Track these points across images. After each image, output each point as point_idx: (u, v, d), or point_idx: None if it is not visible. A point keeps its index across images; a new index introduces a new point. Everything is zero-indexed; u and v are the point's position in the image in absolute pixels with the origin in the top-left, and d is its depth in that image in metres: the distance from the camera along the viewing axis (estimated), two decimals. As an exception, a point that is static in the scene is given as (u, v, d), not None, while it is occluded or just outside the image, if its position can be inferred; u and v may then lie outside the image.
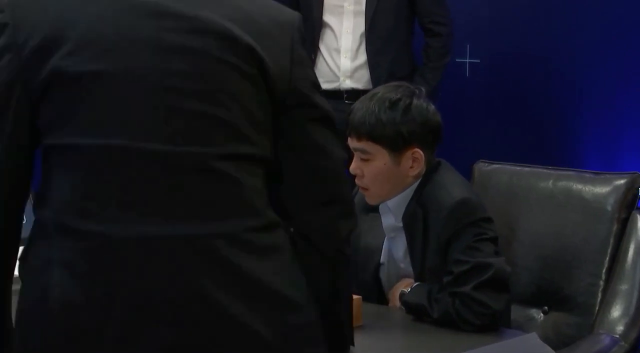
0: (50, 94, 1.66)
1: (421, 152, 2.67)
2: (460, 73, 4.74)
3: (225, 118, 1.67)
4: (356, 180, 2.73)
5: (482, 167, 3.15)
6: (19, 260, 1.73)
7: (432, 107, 2.71)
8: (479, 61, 4.73)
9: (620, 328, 2.74)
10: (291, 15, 1.82)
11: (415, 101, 2.68)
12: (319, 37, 4.16)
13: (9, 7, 1.69)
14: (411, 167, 2.68)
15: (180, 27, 1.67)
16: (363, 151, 2.67)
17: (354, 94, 4.10)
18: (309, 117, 1.79)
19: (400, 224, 2.72)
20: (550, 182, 3.00)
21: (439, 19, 4.18)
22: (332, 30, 4.15)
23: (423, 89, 2.79)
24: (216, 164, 1.66)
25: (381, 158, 2.66)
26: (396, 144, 2.65)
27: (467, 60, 4.74)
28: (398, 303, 2.66)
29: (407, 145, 2.66)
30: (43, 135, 1.69)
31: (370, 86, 4.04)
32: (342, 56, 4.14)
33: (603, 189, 2.91)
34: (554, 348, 2.48)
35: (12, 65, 1.67)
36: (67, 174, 1.66)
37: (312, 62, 4.19)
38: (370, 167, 2.68)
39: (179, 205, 1.65)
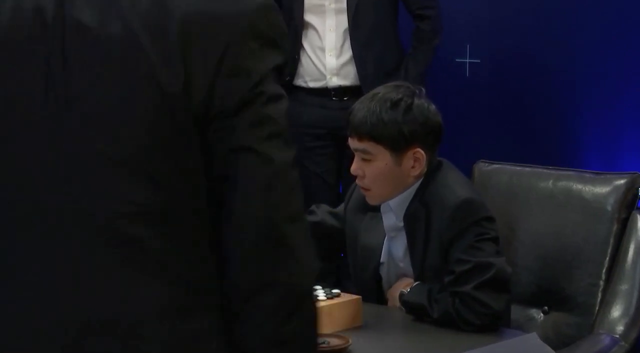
0: None
1: (422, 152, 2.67)
2: (460, 73, 4.74)
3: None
4: (357, 181, 2.73)
5: (482, 167, 3.15)
6: None
7: (432, 107, 2.71)
8: (479, 61, 4.73)
9: (620, 328, 2.74)
10: None
11: (416, 101, 2.68)
12: (302, 36, 4.16)
13: None
14: (412, 167, 2.68)
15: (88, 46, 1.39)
16: (364, 151, 2.67)
17: (341, 91, 4.11)
18: None
19: (402, 224, 2.72)
20: (550, 182, 3.00)
21: (426, 2, 4.19)
22: (315, 29, 4.15)
23: (423, 89, 2.79)
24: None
25: (382, 158, 2.66)
26: (398, 144, 2.65)
27: (467, 60, 4.74)
28: (397, 303, 2.66)
29: (408, 145, 2.66)
30: None
31: (357, 82, 4.06)
32: (327, 54, 4.14)
33: (603, 189, 2.91)
34: (554, 348, 2.48)
35: None
36: None
37: (297, 61, 4.18)
38: (371, 167, 2.67)
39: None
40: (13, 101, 1.41)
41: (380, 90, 2.73)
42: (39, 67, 1.40)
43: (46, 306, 1.39)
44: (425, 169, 2.70)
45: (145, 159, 1.38)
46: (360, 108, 2.68)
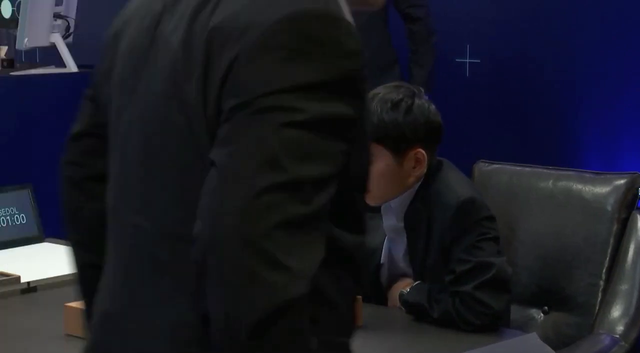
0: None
1: (424, 153, 2.67)
2: (460, 73, 4.74)
3: None
4: (357, 181, 2.72)
5: (482, 167, 3.15)
6: None
7: (433, 107, 2.71)
8: (479, 61, 4.73)
9: (620, 328, 2.74)
10: None
11: (417, 101, 2.67)
12: None
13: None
14: (414, 168, 2.67)
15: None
16: (364, 152, 2.66)
17: None
18: None
19: (402, 224, 2.71)
20: (550, 182, 3.00)
21: (415, 1, 4.18)
22: None
23: (422, 89, 2.79)
24: None
25: (384, 159, 2.66)
26: (399, 145, 2.64)
27: (467, 60, 4.74)
28: (397, 303, 2.66)
29: (409, 146, 2.65)
30: None
31: None
32: None
33: (603, 189, 2.91)
34: (554, 348, 2.48)
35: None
36: None
37: None
38: (372, 168, 2.66)
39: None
40: (117, 108, 1.48)
41: (380, 90, 2.73)
42: (133, 79, 1.46)
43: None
44: (426, 169, 2.70)
45: (176, 178, 1.38)
46: (361, 108, 2.67)
